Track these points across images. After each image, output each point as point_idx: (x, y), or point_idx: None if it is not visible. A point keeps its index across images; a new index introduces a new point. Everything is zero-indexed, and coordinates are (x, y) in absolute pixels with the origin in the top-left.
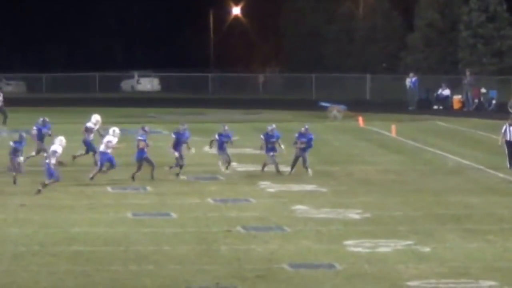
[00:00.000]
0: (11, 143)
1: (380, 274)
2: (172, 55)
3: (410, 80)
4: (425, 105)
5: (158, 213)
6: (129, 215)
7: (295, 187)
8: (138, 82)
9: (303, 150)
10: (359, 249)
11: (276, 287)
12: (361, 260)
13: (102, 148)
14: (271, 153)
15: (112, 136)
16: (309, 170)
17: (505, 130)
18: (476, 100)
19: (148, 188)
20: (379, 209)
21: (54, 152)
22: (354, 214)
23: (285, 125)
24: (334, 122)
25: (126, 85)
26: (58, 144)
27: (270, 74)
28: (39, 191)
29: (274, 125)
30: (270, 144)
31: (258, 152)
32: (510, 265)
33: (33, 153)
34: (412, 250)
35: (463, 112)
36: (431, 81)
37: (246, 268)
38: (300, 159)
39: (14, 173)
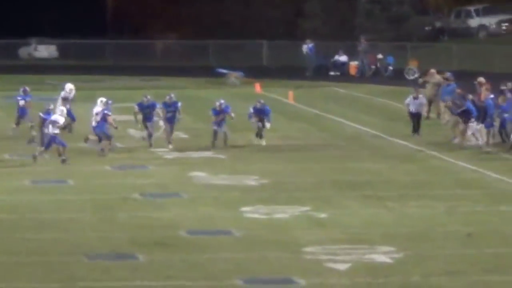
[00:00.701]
0: (41, 114)
1: (278, 240)
2: (69, 21)
3: (307, 47)
4: (322, 71)
5: (56, 181)
6: (27, 182)
7: (193, 154)
8: (35, 49)
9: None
10: (257, 215)
11: (175, 253)
12: (258, 226)
13: (93, 123)
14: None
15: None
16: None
17: (409, 103)
18: (373, 67)
19: (46, 156)
20: (277, 176)
21: (55, 121)
22: (251, 181)
23: (185, 92)
24: (232, 88)
25: (23, 52)
26: (59, 114)
27: (168, 40)
28: (64, 161)
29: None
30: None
31: (155, 119)
32: (407, 231)
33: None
34: (310, 216)
35: (360, 78)
36: (329, 47)
37: (145, 235)
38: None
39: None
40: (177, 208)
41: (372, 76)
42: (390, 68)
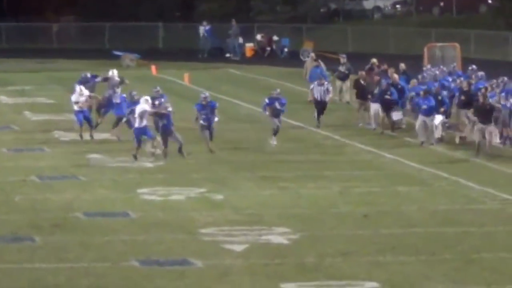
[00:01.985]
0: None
1: (174, 222)
2: None
3: (203, 29)
4: (218, 53)
5: None
6: None
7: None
8: None
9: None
10: (153, 197)
11: (72, 235)
12: (155, 208)
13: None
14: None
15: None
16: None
17: (313, 88)
18: (268, 48)
19: None
20: (173, 158)
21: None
22: (148, 163)
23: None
24: (127, 70)
25: None
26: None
27: (64, 23)
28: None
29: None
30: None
31: (51, 101)
32: (303, 212)
33: None
34: (206, 197)
35: (256, 59)
36: (225, 29)
37: (42, 217)
38: None
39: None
40: (74, 190)
41: (268, 57)
42: (286, 49)
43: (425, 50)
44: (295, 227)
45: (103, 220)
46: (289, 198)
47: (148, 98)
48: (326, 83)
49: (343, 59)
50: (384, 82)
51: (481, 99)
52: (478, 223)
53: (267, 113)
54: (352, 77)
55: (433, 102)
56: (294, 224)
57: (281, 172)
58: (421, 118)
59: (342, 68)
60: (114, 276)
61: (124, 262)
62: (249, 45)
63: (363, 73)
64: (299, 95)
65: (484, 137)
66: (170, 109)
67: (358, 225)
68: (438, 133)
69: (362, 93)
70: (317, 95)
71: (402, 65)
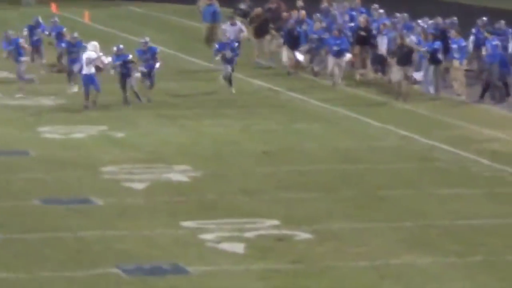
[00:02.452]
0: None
1: (76, 160)
2: None
3: None
4: None
5: None
6: None
7: None
8: None
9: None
10: (54, 135)
11: None
12: (56, 146)
13: None
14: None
15: None
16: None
17: (226, 29)
18: None
19: None
20: (73, 96)
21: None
22: (48, 100)
23: None
24: (27, 8)
25: None
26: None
27: None
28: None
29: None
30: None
31: None
32: (204, 149)
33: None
34: (107, 135)
35: None
36: None
37: None
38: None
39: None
40: None
41: None
42: None
43: None
44: (196, 165)
45: (3, 158)
46: (189, 136)
47: (96, 44)
48: (238, 22)
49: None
50: (291, 21)
51: (399, 41)
52: (379, 160)
53: (217, 58)
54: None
55: (345, 43)
56: (195, 162)
57: (182, 110)
58: (332, 59)
59: (243, 6)
60: (14, 215)
61: (26, 201)
62: None
63: (259, 9)
64: (198, 32)
65: (405, 78)
66: (106, 62)
67: (259, 162)
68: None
69: (258, 30)
70: (230, 35)
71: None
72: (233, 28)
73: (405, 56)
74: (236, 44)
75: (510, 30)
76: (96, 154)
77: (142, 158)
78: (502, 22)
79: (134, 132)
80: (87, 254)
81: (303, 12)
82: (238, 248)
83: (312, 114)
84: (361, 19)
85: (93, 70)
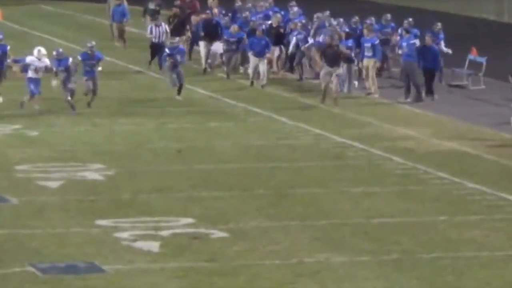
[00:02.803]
0: None
1: None
2: None
3: None
4: None
5: None
6: None
7: None
8: None
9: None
10: None
11: None
12: None
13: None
14: None
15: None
16: None
17: (151, 28)
18: None
19: None
20: None
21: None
22: None
23: None
24: None
25: None
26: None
27: None
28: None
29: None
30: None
31: None
32: (118, 148)
33: None
34: (21, 134)
35: None
36: None
37: None
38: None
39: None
40: None
41: None
42: None
43: None
44: (110, 163)
45: None
46: (103, 135)
47: (41, 49)
48: (163, 23)
49: None
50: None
51: (328, 41)
52: (291, 158)
53: (167, 64)
54: (165, 12)
55: (265, 42)
56: (109, 160)
57: (95, 108)
58: (254, 59)
59: (151, 5)
60: None
61: None
62: None
63: (176, 10)
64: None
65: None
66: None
67: (173, 160)
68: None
69: (173, 31)
70: (155, 38)
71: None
72: (159, 29)
73: (333, 57)
74: (183, 50)
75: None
76: (10, 153)
77: (56, 156)
78: (388, 15)
79: (48, 130)
80: (0, 252)
81: (215, 10)
82: (153, 246)
83: (226, 113)
84: (274, 18)
85: (30, 74)
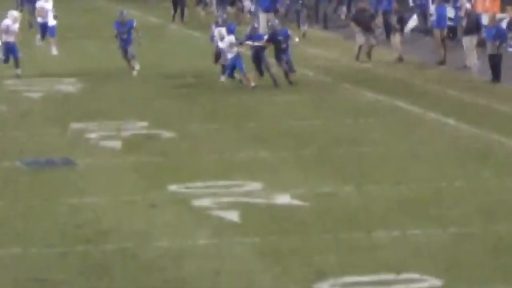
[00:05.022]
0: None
1: None
2: None
3: None
4: None
5: None
6: None
7: None
8: None
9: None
10: None
11: None
12: None
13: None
14: None
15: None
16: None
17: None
18: None
19: None
20: None
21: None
22: None
23: None
24: None
25: None
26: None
27: None
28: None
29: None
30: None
31: None
32: (86, 66)
33: None
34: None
35: None
36: None
37: None
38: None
39: None
40: None
41: None
42: None
43: None
44: (79, 79)
45: None
46: (76, 56)
47: (15, 13)
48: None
49: None
50: None
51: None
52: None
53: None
54: None
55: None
56: (79, 76)
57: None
58: None
59: None
60: None
61: None
62: None
63: None
64: None
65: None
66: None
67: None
68: None
69: None
70: None
71: None
72: None
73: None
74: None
75: None
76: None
77: (38, 73)
78: None
79: (32, 52)
80: None
81: None
82: (116, 144)
83: None
84: None
85: (5, 38)
